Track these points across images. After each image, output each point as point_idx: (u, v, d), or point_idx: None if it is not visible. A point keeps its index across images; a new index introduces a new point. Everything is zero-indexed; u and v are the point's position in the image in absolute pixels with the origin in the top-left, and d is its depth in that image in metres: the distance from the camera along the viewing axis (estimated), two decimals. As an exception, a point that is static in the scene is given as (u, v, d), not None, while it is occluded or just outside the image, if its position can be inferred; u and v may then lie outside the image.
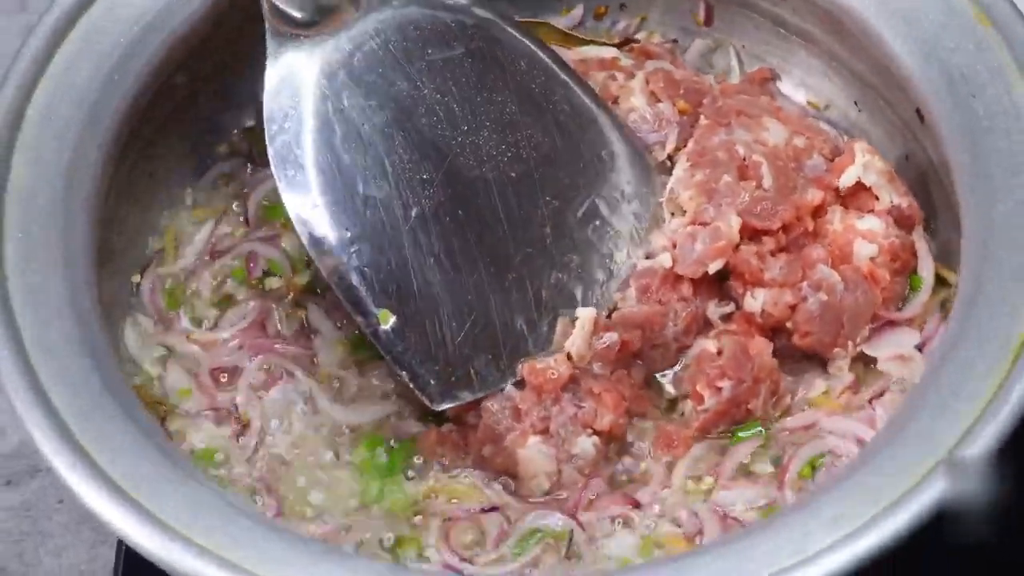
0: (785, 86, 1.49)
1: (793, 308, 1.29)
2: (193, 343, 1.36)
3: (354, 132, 1.25)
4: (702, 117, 1.38)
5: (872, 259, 1.31)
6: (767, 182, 1.32)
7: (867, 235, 1.31)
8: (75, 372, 1.13)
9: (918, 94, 1.31)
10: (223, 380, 1.34)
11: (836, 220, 1.33)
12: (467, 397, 1.27)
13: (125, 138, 1.31)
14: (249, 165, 1.47)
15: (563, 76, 1.36)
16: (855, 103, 1.45)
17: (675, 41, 1.53)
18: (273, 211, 1.43)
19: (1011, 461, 1.09)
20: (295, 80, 1.26)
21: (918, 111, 1.32)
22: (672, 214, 1.34)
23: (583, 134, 1.34)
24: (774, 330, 1.31)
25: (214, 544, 1.05)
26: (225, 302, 1.40)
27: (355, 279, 1.23)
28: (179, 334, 1.37)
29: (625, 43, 1.53)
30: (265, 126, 1.25)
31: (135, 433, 1.12)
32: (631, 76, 1.42)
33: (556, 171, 1.32)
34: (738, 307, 1.31)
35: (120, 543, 1.40)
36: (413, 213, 1.25)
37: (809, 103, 1.49)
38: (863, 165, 1.33)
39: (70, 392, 1.12)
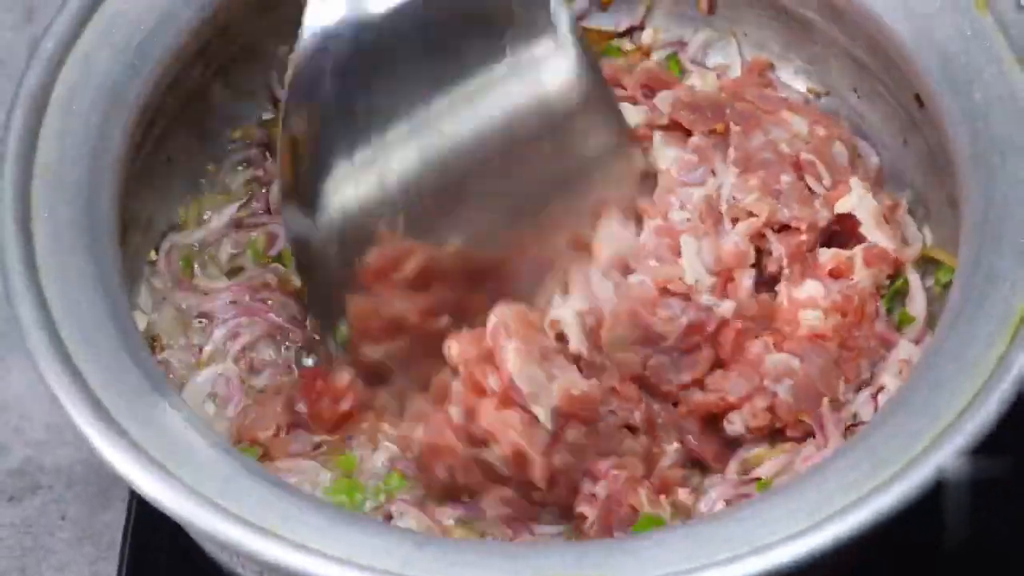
0: (785, 73, 1.52)
1: (771, 408, 1.29)
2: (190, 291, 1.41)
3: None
4: (731, 124, 1.38)
5: (823, 321, 1.30)
6: (825, 179, 1.35)
7: (807, 303, 1.31)
8: (104, 348, 1.16)
9: (916, 80, 1.33)
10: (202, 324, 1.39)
11: (784, 297, 1.32)
12: None
13: (145, 123, 1.33)
14: (268, 154, 1.50)
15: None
16: (854, 89, 1.47)
17: (680, 40, 1.57)
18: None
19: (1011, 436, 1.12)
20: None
21: (917, 96, 1.35)
22: (735, 220, 1.35)
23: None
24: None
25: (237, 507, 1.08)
26: (236, 272, 1.44)
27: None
28: (186, 290, 1.41)
29: (629, 32, 1.56)
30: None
31: (160, 404, 1.14)
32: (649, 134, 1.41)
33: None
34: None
35: (122, 560, 1.42)
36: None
37: (809, 90, 1.51)
38: (859, 198, 1.35)
39: (100, 367, 1.14)
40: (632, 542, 1.09)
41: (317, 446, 1.33)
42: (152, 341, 1.38)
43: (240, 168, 1.50)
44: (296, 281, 1.40)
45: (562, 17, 1.29)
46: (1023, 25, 1.29)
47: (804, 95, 1.51)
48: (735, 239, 1.33)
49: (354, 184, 1.25)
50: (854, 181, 1.36)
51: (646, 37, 1.56)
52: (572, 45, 1.30)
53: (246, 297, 1.41)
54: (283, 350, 1.39)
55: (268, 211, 1.47)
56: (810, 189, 1.36)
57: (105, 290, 1.19)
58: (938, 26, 1.31)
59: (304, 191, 1.26)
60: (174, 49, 1.35)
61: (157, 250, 1.43)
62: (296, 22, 1.39)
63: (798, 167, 1.36)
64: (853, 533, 1.05)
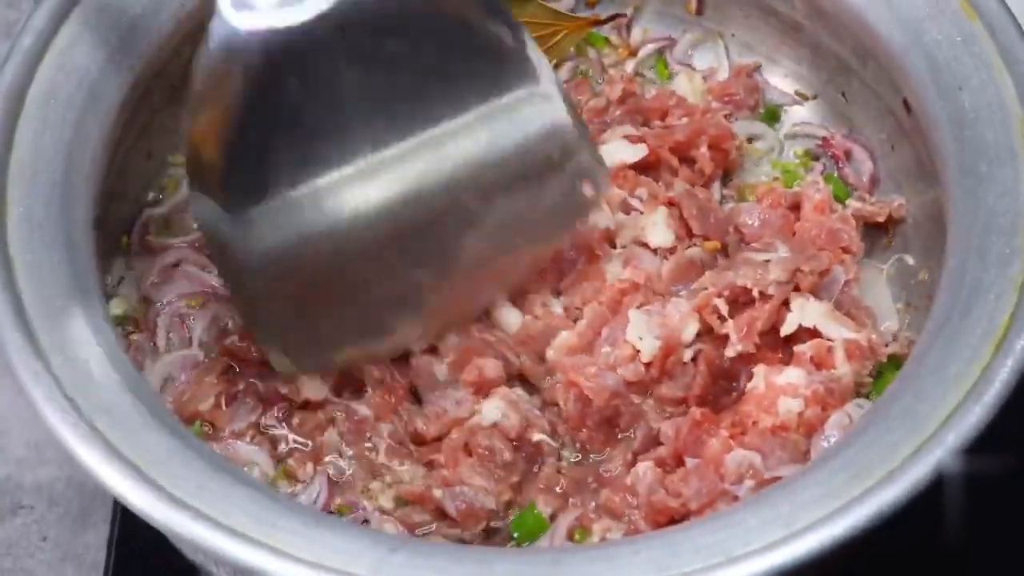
0: (773, 76, 1.52)
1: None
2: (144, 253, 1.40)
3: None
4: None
5: (800, 414, 1.26)
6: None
7: (788, 390, 1.27)
8: (78, 344, 1.14)
9: (905, 84, 1.32)
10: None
11: (760, 380, 1.28)
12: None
13: (125, 118, 1.32)
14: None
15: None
16: (842, 93, 1.47)
17: (669, 38, 1.56)
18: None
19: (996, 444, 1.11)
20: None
21: (905, 101, 1.34)
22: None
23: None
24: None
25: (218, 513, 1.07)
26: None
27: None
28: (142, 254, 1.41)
29: (612, 19, 1.55)
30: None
31: (133, 403, 1.13)
32: (654, 205, 1.38)
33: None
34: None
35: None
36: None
37: (797, 92, 1.51)
38: (800, 310, 1.31)
39: (76, 370, 1.13)
40: (607, 550, 1.08)
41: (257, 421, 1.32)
42: (132, 323, 1.37)
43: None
44: None
45: (544, 68, 1.26)
46: (1011, 30, 1.28)
47: (792, 97, 1.50)
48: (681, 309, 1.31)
49: (279, 217, 1.22)
50: (794, 299, 1.32)
51: (635, 36, 1.55)
52: (554, 98, 1.27)
53: (190, 258, 1.40)
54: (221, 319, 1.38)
55: None
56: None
57: (81, 290, 1.18)
58: (927, 30, 1.30)
59: (211, 185, 1.22)
60: (156, 43, 1.34)
61: (130, 233, 1.43)
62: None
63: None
64: (829, 544, 1.04)
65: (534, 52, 1.25)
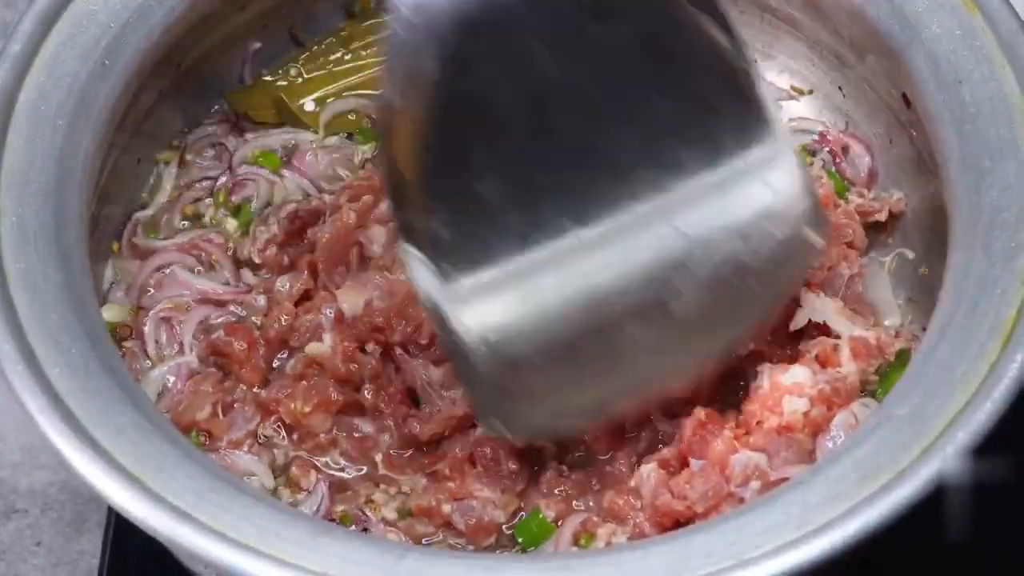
0: (769, 72, 1.50)
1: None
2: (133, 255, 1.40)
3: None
4: None
5: (805, 413, 1.25)
6: None
7: (794, 389, 1.26)
8: (74, 354, 1.13)
9: (904, 79, 1.31)
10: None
11: (765, 379, 1.27)
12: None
13: (116, 124, 1.30)
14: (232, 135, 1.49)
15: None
16: (839, 88, 1.46)
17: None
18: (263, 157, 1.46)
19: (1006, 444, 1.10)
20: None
21: (904, 96, 1.33)
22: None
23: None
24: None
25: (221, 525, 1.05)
26: (195, 217, 1.44)
27: None
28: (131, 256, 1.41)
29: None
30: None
31: (132, 413, 1.11)
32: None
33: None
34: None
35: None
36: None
37: (793, 88, 1.50)
38: (811, 306, 1.30)
39: (71, 375, 1.11)
40: (616, 555, 1.07)
41: (255, 430, 1.31)
42: (126, 330, 1.36)
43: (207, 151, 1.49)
44: (241, 249, 1.40)
45: (776, 117, 1.10)
46: (1012, 23, 1.27)
47: (788, 92, 1.49)
48: None
49: (499, 302, 1.13)
50: (804, 294, 1.31)
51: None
52: (790, 152, 1.12)
53: (178, 260, 1.40)
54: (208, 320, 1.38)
55: (230, 168, 1.46)
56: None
57: (74, 298, 1.17)
58: (926, 24, 1.29)
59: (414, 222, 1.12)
60: (145, 48, 1.32)
61: (120, 239, 1.42)
62: (267, 18, 1.38)
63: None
64: (841, 545, 1.03)
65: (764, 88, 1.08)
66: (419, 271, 1.14)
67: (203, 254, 1.41)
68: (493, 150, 1.07)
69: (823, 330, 1.30)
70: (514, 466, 1.26)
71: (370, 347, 1.30)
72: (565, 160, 1.07)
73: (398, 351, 1.31)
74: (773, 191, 1.13)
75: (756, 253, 1.14)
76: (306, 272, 1.37)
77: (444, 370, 1.29)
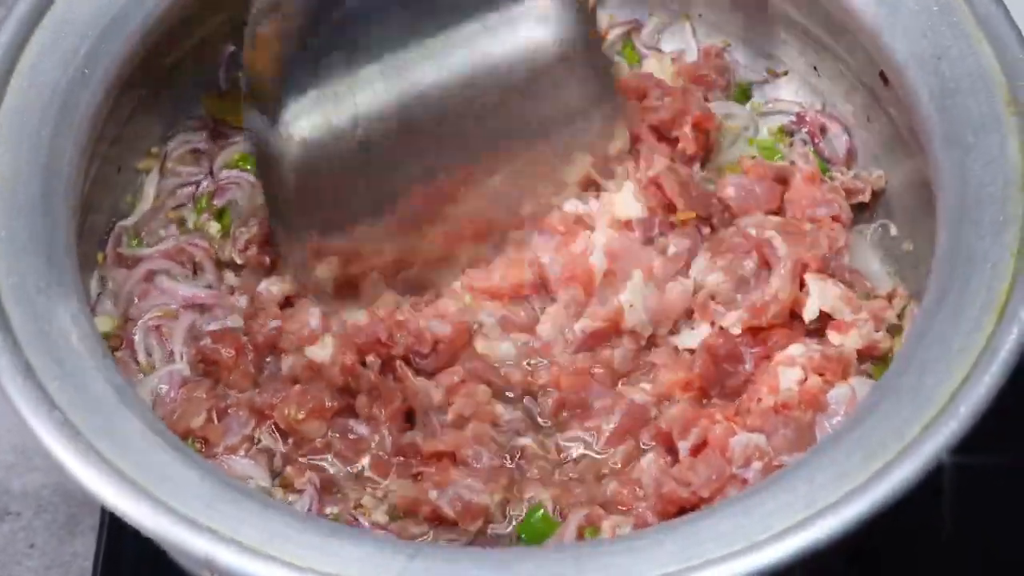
0: (743, 55, 1.51)
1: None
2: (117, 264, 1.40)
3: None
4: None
5: (801, 382, 1.27)
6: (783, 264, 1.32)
7: (786, 360, 1.28)
8: (71, 365, 1.13)
9: (881, 57, 1.32)
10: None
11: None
12: None
13: (97, 131, 1.29)
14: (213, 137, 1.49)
15: None
16: (814, 68, 1.47)
17: (635, 20, 1.55)
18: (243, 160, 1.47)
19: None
20: None
21: (882, 74, 1.34)
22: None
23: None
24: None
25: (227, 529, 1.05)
26: (179, 223, 1.44)
27: None
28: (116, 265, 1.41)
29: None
30: None
31: (133, 422, 1.11)
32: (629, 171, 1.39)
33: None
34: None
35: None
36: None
37: (768, 71, 1.50)
38: (819, 295, 1.31)
39: (71, 387, 1.11)
40: (629, 543, 1.07)
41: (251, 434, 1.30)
42: (116, 341, 1.36)
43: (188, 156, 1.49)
44: (225, 252, 1.41)
45: None
46: (987, -1, 1.28)
47: (763, 75, 1.50)
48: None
49: (319, 111, 1.27)
50: (809, 277, 1.32)
51: (600, 22, 1.54)
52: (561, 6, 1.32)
53: (163, 268, 1.39)
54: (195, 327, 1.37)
55: (211, 174, 1.47)
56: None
57: (66, 307, 1.16)
58: (903, 1, 1.30)
59: (265, 96, 1.27)
60: (123, 54, 1.31)
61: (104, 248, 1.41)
62: (241, 21, 1.37)
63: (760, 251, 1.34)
64: (852, 524, 1.04)
65: None
66: (254, 120, 1.30)
67: (188, 259, 1.40)
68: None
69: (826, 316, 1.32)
70: (496, 463, 1.26)
71: (370, 359, 1.30)
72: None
73: (399, 364, 1.31)
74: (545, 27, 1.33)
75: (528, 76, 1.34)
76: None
77: (444, 389, 1.30)
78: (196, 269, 1.40)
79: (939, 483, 1.10)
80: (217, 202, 1.44)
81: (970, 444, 1.08)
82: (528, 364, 1.33)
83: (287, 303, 1.36)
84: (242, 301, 1.37)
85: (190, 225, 1.43)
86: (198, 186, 1.45)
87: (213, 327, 1.36)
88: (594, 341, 1.32)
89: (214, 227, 1.43)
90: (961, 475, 1.14)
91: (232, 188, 1.45)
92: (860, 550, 1.24)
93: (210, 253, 1.41)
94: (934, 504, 1.25)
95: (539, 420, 1.32)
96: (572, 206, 1.37)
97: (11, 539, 1.54)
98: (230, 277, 1.41)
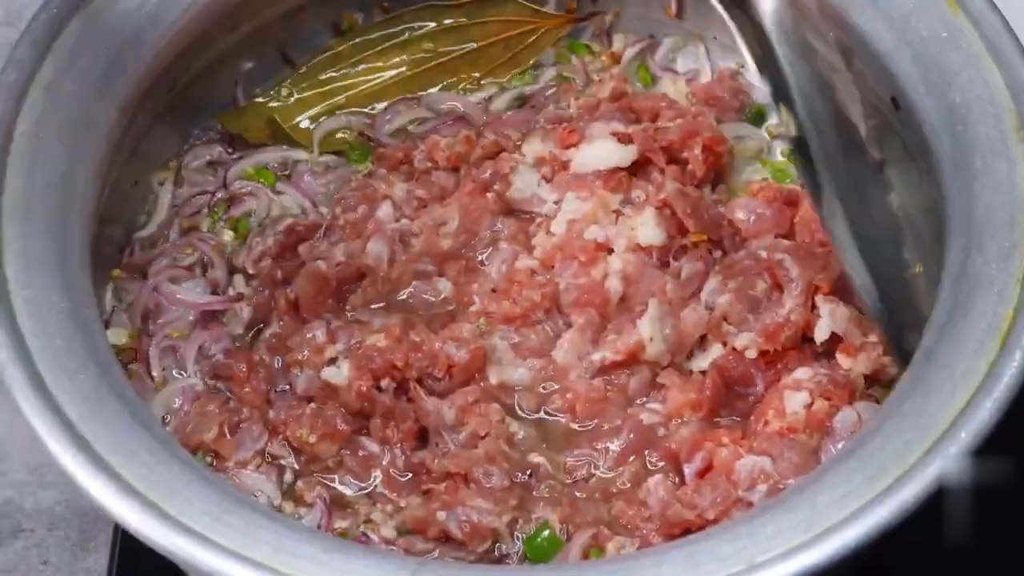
0: (756, 76, 1.50)
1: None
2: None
3: None
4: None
5: (807, 406, 1.27)
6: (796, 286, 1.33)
7: (792, 384, 1.29)
8: (83, 380, 1.13)
9: (892, 82, 1.32)
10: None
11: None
12: None
13: (113, 147, 1.31)
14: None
15: None
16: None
17: (651, 37, 1.56)
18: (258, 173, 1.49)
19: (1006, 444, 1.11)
20: None
21: (893, 99, 1.34)
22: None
23: None
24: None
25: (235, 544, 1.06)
26: (193, 230, 1.45)
27: None
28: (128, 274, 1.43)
29: (590, 17, 1.57)
30: None
31: (144, 437, 1.12)
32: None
33: None
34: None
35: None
36: None
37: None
38: (830, 316, 1.32)
39: (81, 400, 1.12)
40: (630, 563, 1.08)
41: (263, 449, 1.31)
42: (130, 354, 1.37)
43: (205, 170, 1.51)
44: (238, 258, 1.42)
45: None
46: (995, 22, 1.29)
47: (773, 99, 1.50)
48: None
49: None
50: (820, 299, 1.33)
51: (616, 43, 1.55)
52: None
53: (170, 275, 1.41)
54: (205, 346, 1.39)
55: (224, 184, 1.49)
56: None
57: (80, 324, 1.17)
58: (913, 28, 1.31)
59: None
60: (140, 72, 1.33)
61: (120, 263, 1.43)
62: (257, 38, 1.39)
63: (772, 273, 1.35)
64: (852, 546, 1.04)
65: None
66: None
67: (197, 258, 1.42)
68: None
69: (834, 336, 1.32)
70: (506, 483, 1.27)
71: (385, 383, 1.31)
72: None
73: (413, 385, 1.32)
74: None
75: None
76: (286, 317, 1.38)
77: (457, 408, 1.31)
78: (205, 267, 1.42)
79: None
80: (234, 211, 1.46)
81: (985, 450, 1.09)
82: (543, 388, 1.34)
83: (294, 308, 1.37)
84: (245, 312, 1.39)
85: (204, 231, 1.45)
86: (212, 195, 1.47)
87: (224, 344, 1.37)
88: (612, 368, 1.33)
89: (228, 234, 1.44)
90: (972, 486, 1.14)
91: (248, 199, 1.47)
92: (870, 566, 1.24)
93: (220, 249, 1.42)
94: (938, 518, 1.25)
95: (552, 438, 1.32)
96: (592, 233, 1.37)
97: (25, 556, 1.55)
98: (239, 282, 1.42)
